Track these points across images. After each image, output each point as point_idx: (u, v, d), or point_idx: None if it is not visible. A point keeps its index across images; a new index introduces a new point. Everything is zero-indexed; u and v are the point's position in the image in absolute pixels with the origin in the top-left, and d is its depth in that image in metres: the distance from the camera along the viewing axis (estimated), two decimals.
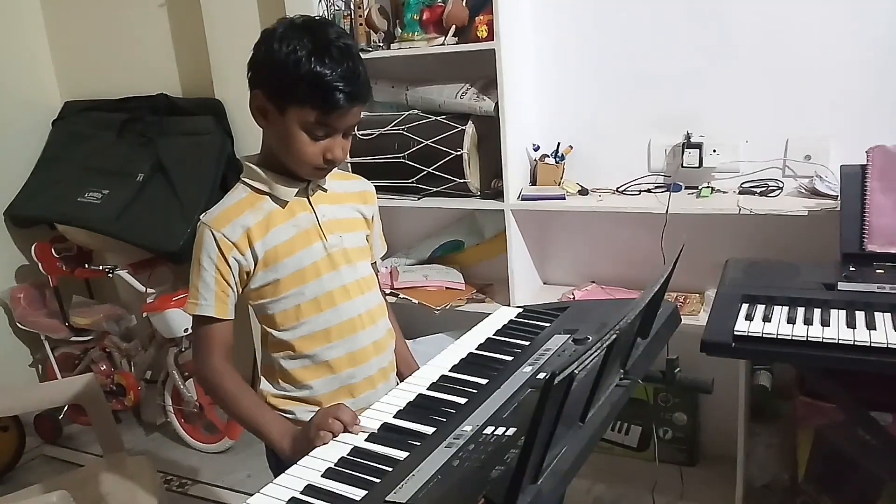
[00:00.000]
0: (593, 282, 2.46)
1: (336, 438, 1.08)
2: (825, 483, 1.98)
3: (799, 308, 1.55)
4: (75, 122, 3.16)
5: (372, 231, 1.48)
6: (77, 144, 3.08)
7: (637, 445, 2.46)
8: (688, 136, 2.16)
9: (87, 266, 3.03)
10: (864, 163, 1.74)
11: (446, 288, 2.49)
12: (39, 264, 2.99)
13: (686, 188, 2.21)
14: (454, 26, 2.21)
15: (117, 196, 2.81)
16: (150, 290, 2.83)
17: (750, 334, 1.49)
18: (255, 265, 1.30)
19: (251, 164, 1.34)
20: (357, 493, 0.93)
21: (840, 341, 1.43)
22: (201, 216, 1.31)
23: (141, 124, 2.93)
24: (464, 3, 2.22)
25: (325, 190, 1.38)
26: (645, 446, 2.44)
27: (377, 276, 1.51)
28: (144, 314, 2.80)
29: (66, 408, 3.04)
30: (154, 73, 3.03)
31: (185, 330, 2.71)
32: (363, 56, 1.21)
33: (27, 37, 3.21)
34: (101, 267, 2.89)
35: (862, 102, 2.00)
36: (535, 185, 2.35)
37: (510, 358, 1.30)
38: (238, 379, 1.33)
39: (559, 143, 2.32)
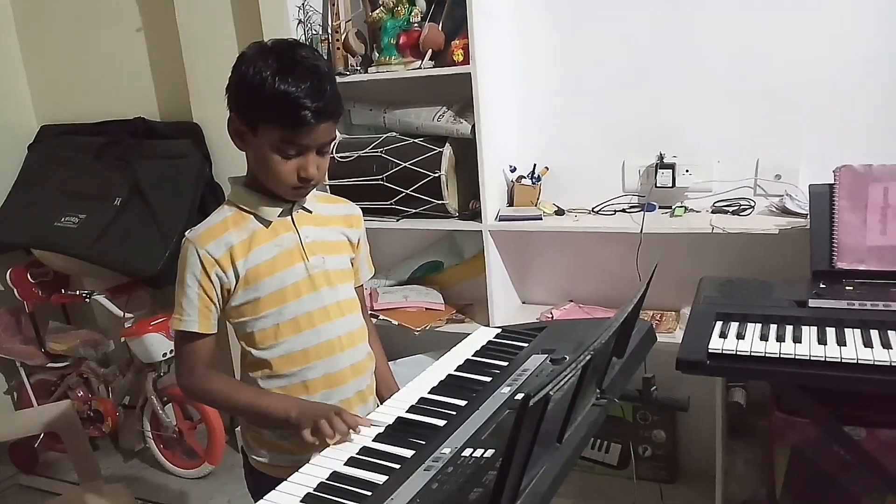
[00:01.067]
0: (571, 300, 2.48)
1: (313, 462, 1.09)
2: (802, 498, 2.00)
3: (771, 325, 1.58)
4: (52, 146, 3.14)
5: (357, 254, 1.48)
6: (53, 168, 3.06)
7: (617, 463, 2.47)
8: (661, 157, 2.21)
9: (63, 291, 3.00)
10: (832, 182, 1.78)
11: (426, 308, 2.50)
12: (15, 290, 2.95)
13: (660, 208, 2.25)
14: (431, 50, 2.24)
15: (94, 220, 2.79)
16: (127, 315, 2.80)
17: (724, 352, 1.51)
18: (236, 283, 1.31)
19: (237, 185, 1.36)
20: None
21: (811, 358, 1.45)
22: (187, 233, 1.33)
23: (118, 148, 2.92)
24: (440, 28, 2.25)
25: (310, 211, 1.40)
26: (625, 464, 2.45)
27: (363, 299, 1.52)
28: (122, 339, 2.78)
29: (41, 435, 2.99)
30: (132, 97, 3.03)
31: (164, 354, 2.69)
32: (340, 80, 1.24)
33: (2, 60, 3.19)
34: (78, 292, 2.86)
35: (830, 123, 2.06)
36: (513, 205, 2.37)
37: (489, 379, 1.31)
38: (226, 377, 1.36)
39: (535, 165, 2.35)
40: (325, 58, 2.32)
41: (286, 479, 1.04)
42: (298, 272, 1.35)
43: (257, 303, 1.33)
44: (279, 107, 1.22)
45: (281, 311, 1.34)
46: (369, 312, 2.41)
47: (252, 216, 1.34)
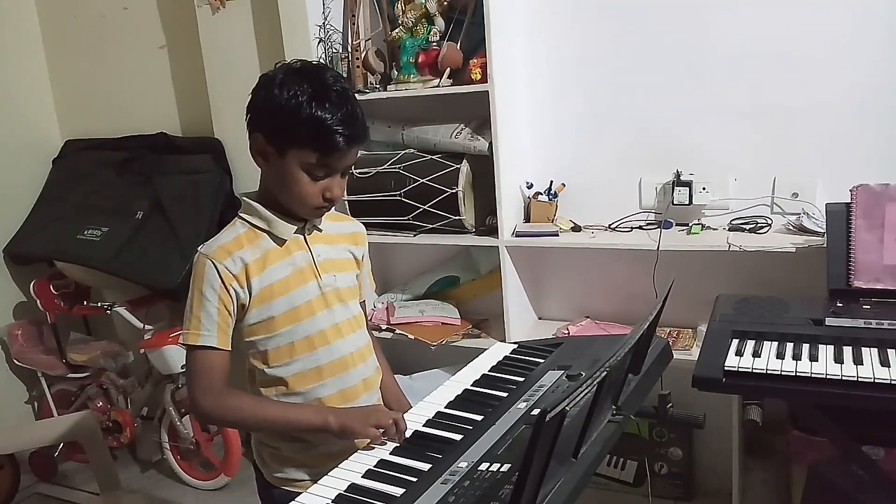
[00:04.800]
0: (587, 317, 2.48)
1: (332, 474, 1.10)
2: None
3: (788, 343, 1.58)
4: (75, 161, 3.21)
5: (361, 271, 1.51)
6: (77, 183, 3.12)
7: (633, 480, 2.46)
8: (678, 174, 2.21)
9: (85, 303, 3.04)
10: (849, 201, 1.78)
11: (442, 323, 2.51)
12: (38, 301, 3.01)
13: (676, 225, 2.24)
14: (449, 69, 2.27)
15: (116, 234, 2.84)
16: (147, 327, 2.84)
17: (740, 369, 1.51)
18: (250, 300, 1.32)
19: (250, 201, 1.37)
20: None
21: (828, 376, 1.45)
22: (199, 248, 1.33)
23: (140, 163, 2.98)
24: (458, 47, 2.28)
25: (321, 230, 1.41)
26: (641, 481, 2.44)
27: (365, 313, 1.54)
28: (142, 351, 2.82)
29: (61, 445, 3.03)
30: (154, 113, 3.09)
31: (182, 366, 2.72)
32: (360, 98, 1.27)
33: (29, 76, 3.27)
34: (99, 304, 2.90)
35: (847, 142, 2.06)
36: (529, 221, 2.39)
37: (505, 394, 1.32)
38: (247, 394, 1.37)
39: (552, 181, 2.37)
40: (345, 76, 2.36)
41: (305, 492, 1.05)
42: (312, 290, 1.37)
43: (271, 321, 1.34)
44: (315, 132, 1.24)
45: (295, 330, 1.35)
46: (384, 327, 2.45)
47: (265, 234, 1.35)
